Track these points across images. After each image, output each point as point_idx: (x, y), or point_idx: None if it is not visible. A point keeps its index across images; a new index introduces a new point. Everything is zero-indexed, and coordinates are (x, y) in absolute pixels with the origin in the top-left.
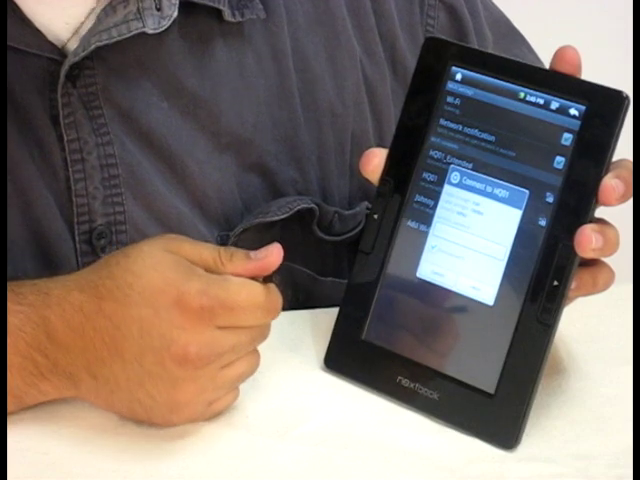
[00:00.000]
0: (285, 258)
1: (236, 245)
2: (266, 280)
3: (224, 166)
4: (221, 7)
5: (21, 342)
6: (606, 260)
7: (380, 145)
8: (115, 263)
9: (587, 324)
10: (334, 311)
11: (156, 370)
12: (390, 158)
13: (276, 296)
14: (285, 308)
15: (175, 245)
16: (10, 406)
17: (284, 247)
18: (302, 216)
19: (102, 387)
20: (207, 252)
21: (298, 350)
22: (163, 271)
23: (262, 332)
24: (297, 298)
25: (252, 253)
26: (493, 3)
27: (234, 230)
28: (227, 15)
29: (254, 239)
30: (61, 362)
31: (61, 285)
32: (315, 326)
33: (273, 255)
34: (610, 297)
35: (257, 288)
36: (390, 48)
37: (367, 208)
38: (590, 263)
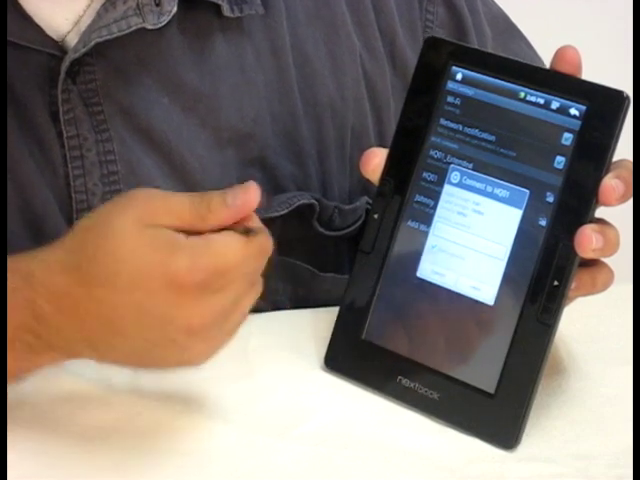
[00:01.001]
0: (285, 253)
1: None
2: (246, 230)
3: (224, 161)
4: (220, 2)
5: (9, 328)
6: (606, 260)
7: (380, 140)
8: (94, 246)
9: (587, 324)
10: (334, 311)
11: (163, 342)
12: (390, 158)
13: (260, 240)
14: (286, 304)
15: (150, 216)
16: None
17: (285, 243)
18: (302, 211)
19: (105, 354)
20: (183, 210)
21: (298, 350)
22: (145, 253)
23: (257, 270)
24: (297, 293)
25: (229, 199)
26: None
27: None
28: (226, 10)
29: None
30: (54, 342)
31: (44, 266)
32: (315, 326)
33: (252, 196)
34: (610, 297)
35: (241, 242)
36: (389, 43)
37: (367, 203)
38: (590, 263)
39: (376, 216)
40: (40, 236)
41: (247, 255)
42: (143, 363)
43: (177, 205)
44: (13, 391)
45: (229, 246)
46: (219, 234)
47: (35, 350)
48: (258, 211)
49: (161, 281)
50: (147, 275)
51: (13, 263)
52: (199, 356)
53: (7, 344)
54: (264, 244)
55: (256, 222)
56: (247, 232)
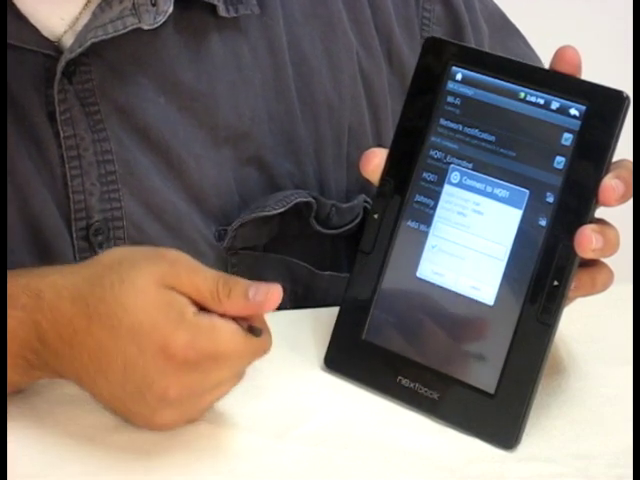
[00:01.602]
0: (283, 252)
1: (233, 240)
2: (250, 328)
3: (221, 160)
4: (215, 2)
5: (14, 345)
6: (606, 260)
7: (377, 138)
8: (109, 285)
9: (587, 324)
10: (334, 311)
11: (137, 398)
12: (390, 158)
13: (261, 341)
14: (284, 303)
15: (172, 278)
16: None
17: (282, 241)
18: (299, 210)
19: (89, 390)
20: (205, 286)
21: (298, 350)
22: (153, 314)
23: (247, 365)
24: (295, 292)
25: (251, 292)
26: None
27: (232, 225)
28: (221, 11)
29: (252, 233)
30: (51, 363)
31: (53, 290)
32: (315, 326)
33: (272, 298)
34: (610, 297)
35: (243, 338)
36: (386, 41)
37: (365, 201)
38: (589, 263)
39: (376, 216)
40: (38, 236)
41: (245, 351)
42: (118, 411)
43: (200, 279)
44: (13, 392)
45: (232, 339)
46: (226, 322)
47: (34, 366)
48: (255, 209)
49: (157, 345)
50: (146, 334)
51: (23, 278)
52: (165, 424)
53: (10, 358)
54: (264, 345)
55: (263, 322)
56: (251, 330)
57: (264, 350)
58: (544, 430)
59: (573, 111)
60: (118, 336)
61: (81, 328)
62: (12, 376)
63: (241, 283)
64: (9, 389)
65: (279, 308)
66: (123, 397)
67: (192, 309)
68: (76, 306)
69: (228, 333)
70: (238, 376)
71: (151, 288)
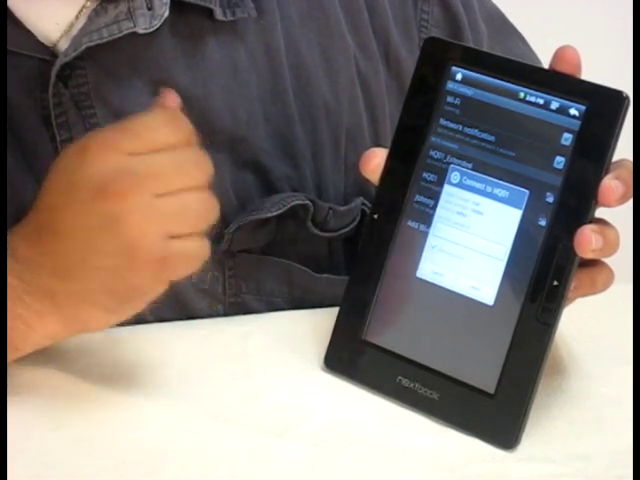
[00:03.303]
0: (280, 254)
1: (230, 243)
2: None
3: (218, 164)
4: (212, 6)
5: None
6: (606, 260)
7: (375, 140)
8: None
9: (587, 324)
10: (334, 311)
11: (91, 222)
12: (390, 158)
13: (178, 115)
14: (281, 305)
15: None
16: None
17: (279, 244)
18: (296, 212)
19: (72, 283)
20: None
21: (298, 350)
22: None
23: (188, 155)
24: (293, 294)
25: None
26: None
27: (228, 228)
28: (218, 14)
29: (248, 236)
30: (31, 279)
31: (23, 221)
32: (315, 326)
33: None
34: (610, 297)
35: (156, 113)
36: (384, 43)
37: (362, 204)
38: (590, 263)
39: (376, 216)
40: None
41: (162, 120)
42: (102, 275)
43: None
44: (13, 391)
45: (145, 117)
46: None
47: (17, 294)
48: (251, 212)
49: (77, 151)
50: (70, 154)
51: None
52: (134, 237)
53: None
54: (181, 120)
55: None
56: None
57: (182, 125)
58: (544, 430)
59: (573, 111)
60: (56, 179)
61: (37, 212)
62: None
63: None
64: (10, 347)
65: (275, 309)
66: (89, 239)
67: None
68: (35, 209)
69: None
70: (183, 163)
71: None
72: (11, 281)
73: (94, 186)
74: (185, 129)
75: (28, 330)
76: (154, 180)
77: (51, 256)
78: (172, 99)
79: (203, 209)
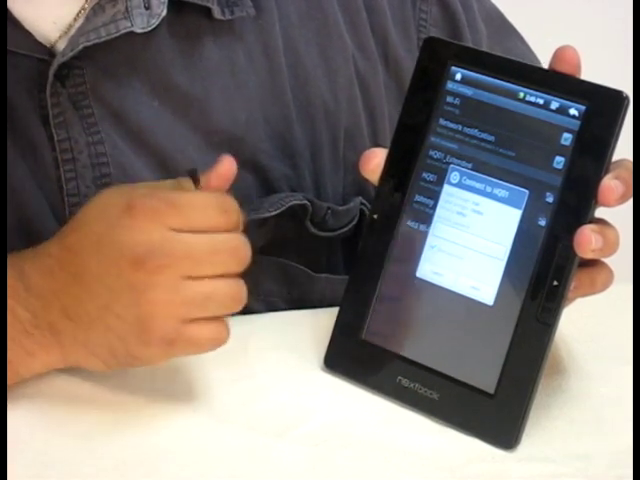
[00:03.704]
0: (279, 254)
1: None
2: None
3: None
4: (210, 5)
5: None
6: (606, 260)
7: (373, 140)
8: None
9: (587, 324)
10: (334, 311)
11: (117, 284)
12: (390, 158)
13: (228, 198)
14: (280, 305)
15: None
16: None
17: (278, 243)
18: (295, 212)
19: (79, 328)
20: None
21: (298, 350)
22: (115, 189)
23: (227, 242)
24: (292, 294)
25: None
26: None
27: None
28: (216, 13)
29: (247, 236)
30: (39, 313)
31: (36, 247)
32: (315, 326)
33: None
34: (610, 297)
35: (206, 192)
36: (382, 43)
37: (361, 203)
38: (589, 263)
39: (376, 216)
40: (33, 239)
41: (211, 202)
42: (108, 335)
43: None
44: (13, 391)
45: (196, 195)
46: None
47: (23, 326)
48: (250, 212)
49: (120, 206)
50: (111, 203)
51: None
52: (150, 314)
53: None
54: (231, 202)
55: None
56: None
57: (230, 208)
58: (544, 430)
59: (573, 111)
60: (86, 224)
61: (56, 250)
62: (10, 347)
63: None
64: (11, 372)
65: (274, 309)
66: (106, 297)
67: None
68: (53, 239)
69: (186, 188)
70: (220, 248)
71: (109, 193)
72: (19, 311)
73: (131, 253)
74: (231, 215)
75: (30, 359)
76: (187, 264)
77: (65, 297)
78: (229, 165)
79: (229, 298)
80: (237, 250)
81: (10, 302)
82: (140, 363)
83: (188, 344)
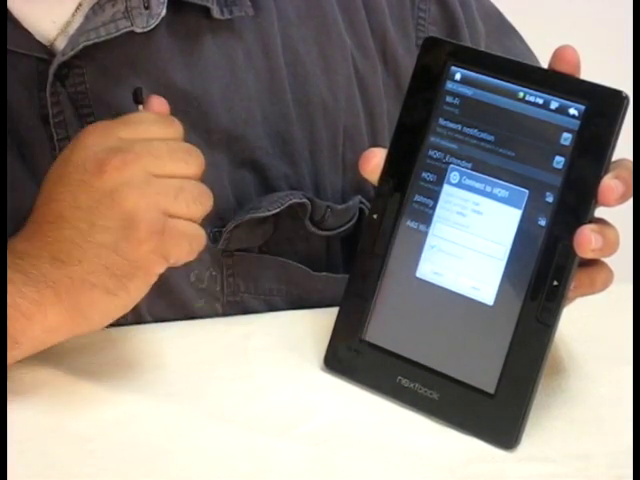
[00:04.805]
0: (278, 253)
1: (228, 241)
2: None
3: (216, 163)
4: (209, 5)
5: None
6: (606, 260)
7: (373, 138)
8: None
9: (587, 324)
10: (334, 311)
11: (91, 198)
12: (389, 158)
13: (170, 117)
14: (280, 304)
15: None
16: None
17: (277, 242)
18: (294, 211)
19: (72, 265)
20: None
21: (298, 350)
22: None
23: (182, 145)
24: (291, 293)
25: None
26: None
27: (226, 226)
28: (215, 13)
29: (246, 235)
30: (30, 270)
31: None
32: (315, 326)
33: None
34: (610, 297)
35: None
36: (381, 42)
37: (360, 202)
38: (589, 263)
39: (375, 216)
40: None
41: (151, 116)
42: (101, 257)
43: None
44: (13, 391)
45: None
46: None
47: (17, 287)
48: (249, 210)
49: (76, 140)
50: (72, 144)
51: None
52: (133, 212)
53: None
54: (168, 118)
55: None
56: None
57: (172, 122)
58: (544, 430)
59: (572, 111)
60: (57, 167)
61: (37, 208)
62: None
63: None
64: (11, 343)
65: (273, 308)
66: (88, 220)
67: None
68: (34, 208)
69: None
70: (174, 148)
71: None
72: (11, 275)
73: (90, 164)
74: (177, 127)
75: (28, 322)
76: (149, 159)
77: (51, 244)
78: (160, 105)
79: (198, 193)
80: (192, 152)
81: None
82: (141, 270)
83: (177, 237)
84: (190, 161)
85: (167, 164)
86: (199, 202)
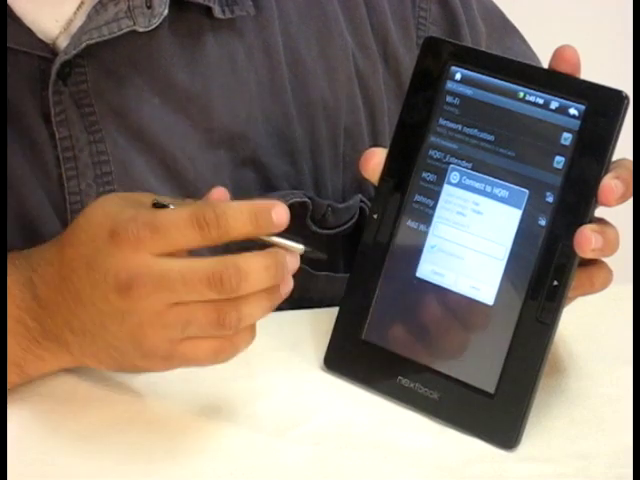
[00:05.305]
0: None
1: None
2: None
3: (217, 162)
4: (210, 4)
5: (12, 305)
6: (605, 260)
7: (373, 138)
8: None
9: (587, 324)
10: (334, 311)
11: (106, 307)
12: (389, 158)
13: (208, 211)
14: (280, 303)
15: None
16: (12, 376)
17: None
18: (295, 210)
19: (83, 341)
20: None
21: (298, 350)
22: (106, 206)
23: (200, 269)
24: (291, 293)
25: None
26: None
27: None
28: (217, 12)
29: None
30: (47, 325)
31: (39, 250)
32: (315, 326)
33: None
34: (610, 297)
35: (185, 209)
36: (382, 41)
37: (361, 201)
38: (589, 263)
39: (375, 216)
40: (34, 237)
41: (189, 221)
42: (108, 347)
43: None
44: (13, 391)
45: (174, 215)
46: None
47: (33, 335)
48: None
49: (106, 230)
50: (98, 224)
51: (15, 253)
52: (141, 336)
53: (10, 322)
54: (212, 220)
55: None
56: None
57: (212, 225)
58: (544, 430)
59: (572, 111)
60: (80, 243)
61: (57, 261)
62: (15, 347)
63: (231, 205)
64: (13, 370)
65: (277, 307)
66: (100, 317)
67: (146, 202)
68: (55, 245)
69: (170, 213)
70: (203, 273)
71: (113, 195)
72: (29, 322)
73: (115, 281)
74: (211, 229)
75: (41, 362)
76: (165, 293)
77: (66, 311)
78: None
79: (207, 323)
80: (213, 277)
81: (20, 313)
82: (146, 371)
83: (185, 359)
84: (204, 291)
85: (180, 296)
86: (208, 330)
